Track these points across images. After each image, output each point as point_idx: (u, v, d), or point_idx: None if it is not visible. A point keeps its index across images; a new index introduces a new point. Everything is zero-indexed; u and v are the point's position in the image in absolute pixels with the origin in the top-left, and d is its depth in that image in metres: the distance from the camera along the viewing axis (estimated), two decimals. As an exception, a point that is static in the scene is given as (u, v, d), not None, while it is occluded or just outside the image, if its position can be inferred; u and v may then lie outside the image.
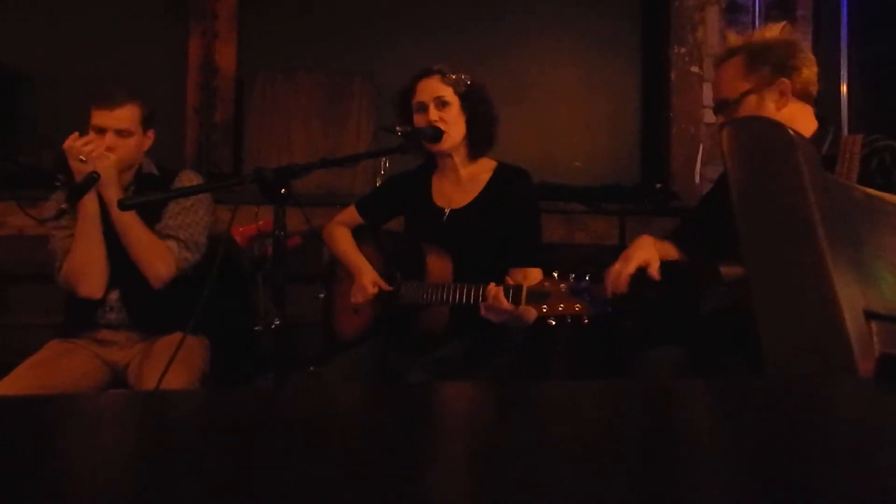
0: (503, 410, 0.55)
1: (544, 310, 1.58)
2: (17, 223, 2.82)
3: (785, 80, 1.69)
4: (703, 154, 3.53)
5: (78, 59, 3.24)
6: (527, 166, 2.06)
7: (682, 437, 0.47)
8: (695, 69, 3.60)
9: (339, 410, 0.54)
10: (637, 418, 0.52)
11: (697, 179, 3.49)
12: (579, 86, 3.69)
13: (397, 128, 2.04)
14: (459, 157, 2.01)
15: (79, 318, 2.08)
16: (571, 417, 0.51)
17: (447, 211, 2.02)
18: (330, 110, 3.28)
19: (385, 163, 3.02)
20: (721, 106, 1.77)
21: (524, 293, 1.63)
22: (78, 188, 1.93)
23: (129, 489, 0.34)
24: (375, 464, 0.37)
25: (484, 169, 2.03)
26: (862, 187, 0.87)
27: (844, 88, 3.22)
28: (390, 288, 2.02)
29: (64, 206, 2.02)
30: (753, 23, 3.56)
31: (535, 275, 1.83)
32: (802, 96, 1.72)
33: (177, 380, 1.83)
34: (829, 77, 3.06)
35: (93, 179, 1.93)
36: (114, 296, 2.05)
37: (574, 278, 1.57)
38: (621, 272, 1.64)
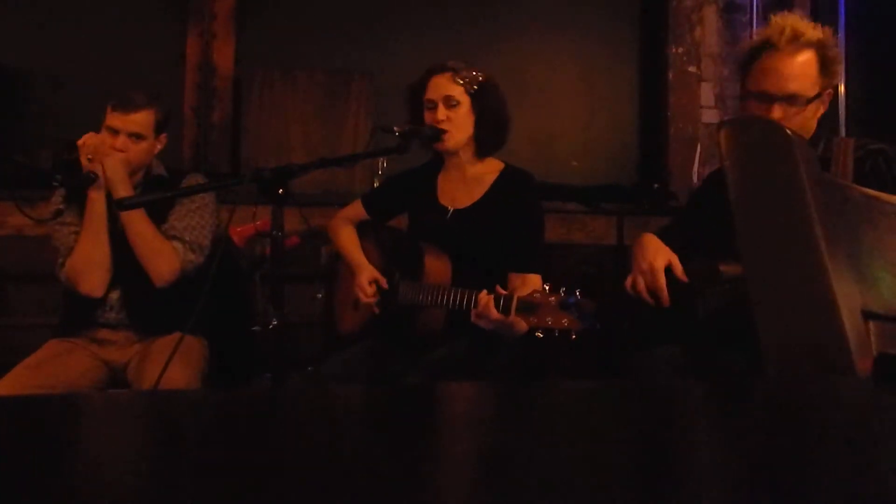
0: (503, 410, 0.55)
1: (533, 321, 1.59)
2: (15, 223, 2.81)
3: (832, 90, 1.68)
4: (700, 154, 3.54)
5: (76, 58, 3.24)
6: (525, 166, 2.05)
7: (681, 437, 0.47)
8: (693, 69, 3.60)
9: (337, 411, 0.55)
10: (637, 418, 0.52)
11: (695, 179, 3.49)
12: (577, 85, 3.69)
13: (395, 128, 2.04)
14: (466, 156, 2.00)
15: (77, 316, 2.08)
16: (571, 417, 0.51)
17: (451, 210, 2.02)
18: (328, 110, 3.28)
19: (383, 163, 3.03)
20: (789, 98, 1.64)
21: (514, 304, 1.63)
22: (75, 186, 1.93)
23: (129, 489, 0.34)
24: (375, 464, 0.38)
25: (490, 169, 2.02)
26: (860, 187, 0.87)
27: (842, 89, 3.22)
28: (388, 287, 2.02)
29: (61, 206, 2.02)
30: (752, 23, 3.56)
31: (533, 281, 1.82)
32: None
33: (176, 379, 1.83)
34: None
35: (90, 179, 1.94)
36: (114, 295, 2.06)
37: (564, 292, 1.57)
38: (654, 266, 1.61)
